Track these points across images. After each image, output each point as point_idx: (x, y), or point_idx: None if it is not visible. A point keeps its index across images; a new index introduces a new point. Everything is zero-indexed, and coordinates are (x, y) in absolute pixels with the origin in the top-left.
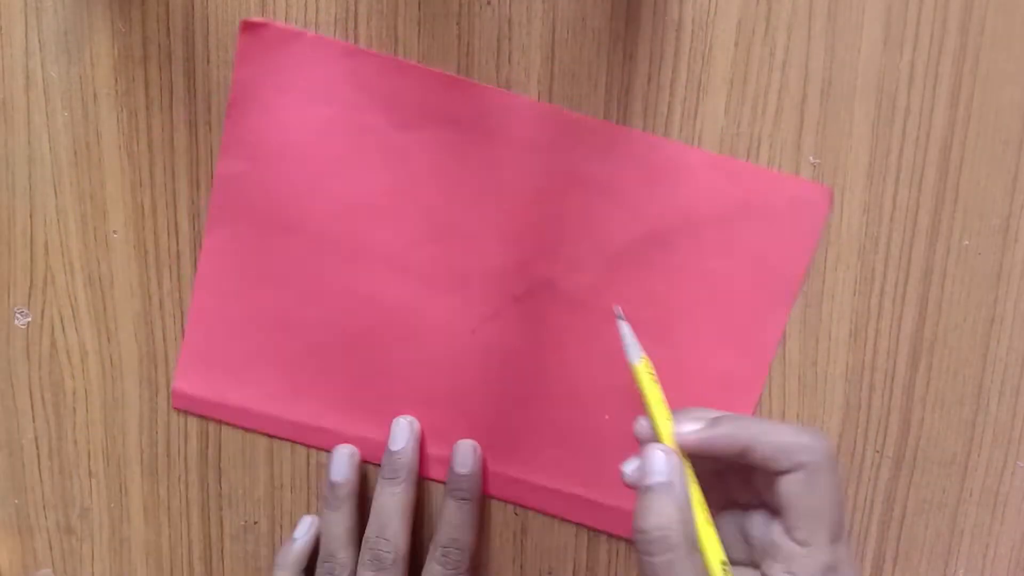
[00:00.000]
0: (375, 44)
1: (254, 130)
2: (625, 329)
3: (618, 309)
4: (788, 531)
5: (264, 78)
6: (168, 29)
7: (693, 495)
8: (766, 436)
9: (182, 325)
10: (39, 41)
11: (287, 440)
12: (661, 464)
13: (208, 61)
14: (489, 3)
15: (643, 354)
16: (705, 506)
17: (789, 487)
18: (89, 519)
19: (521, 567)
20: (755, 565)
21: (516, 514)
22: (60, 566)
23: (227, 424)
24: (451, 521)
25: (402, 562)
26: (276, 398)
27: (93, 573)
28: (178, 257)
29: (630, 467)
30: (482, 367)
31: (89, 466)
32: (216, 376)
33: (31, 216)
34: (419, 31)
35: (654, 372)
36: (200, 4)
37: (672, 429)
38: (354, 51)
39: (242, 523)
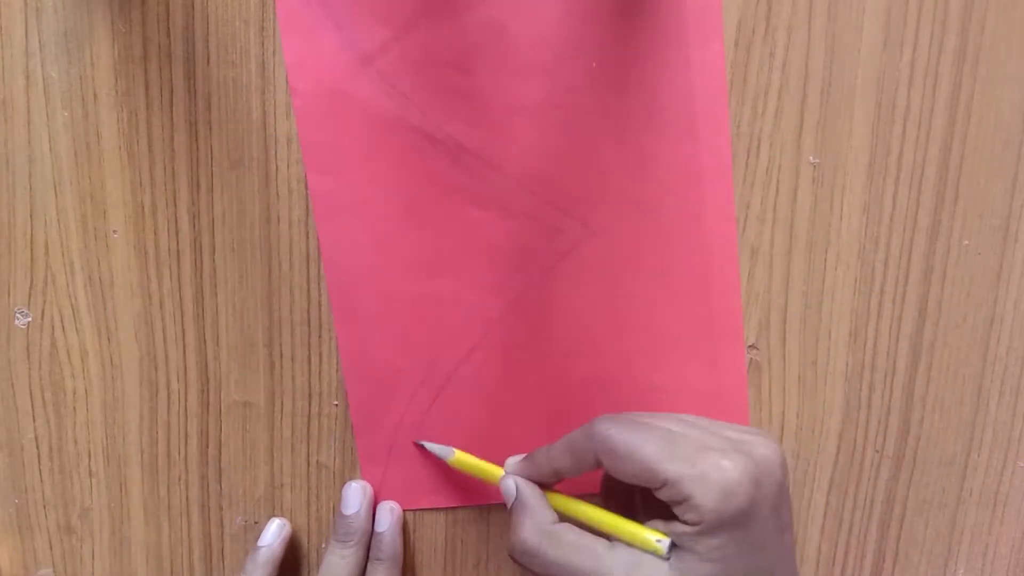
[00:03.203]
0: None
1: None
2: (429, 446)
3: (420, 442)
4: (655, 491)
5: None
6: (168, 29)
7: (557, 501)
8: (560, 457)
9: (182, 325)
10: (39, 41)
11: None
12: (507, 487)
13: (208, 61)
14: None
15: (452, 451)
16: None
17: (609, 476)
18: (89, 519)
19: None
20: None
21: None
22: (60, 566)
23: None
24: None
25: None
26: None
27: (93, 573)
28: (178, 257)
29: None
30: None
31: (89, 466)
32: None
33: (31, 216)
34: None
35: (465, 455)
36: (200, 4)
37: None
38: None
39: (242, 523)
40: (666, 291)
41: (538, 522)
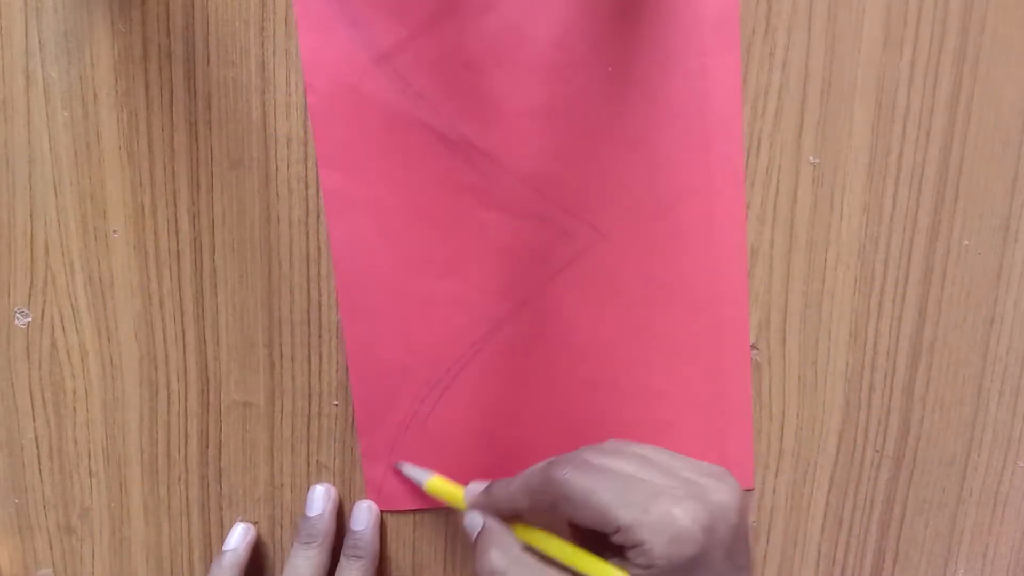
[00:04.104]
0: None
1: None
2: (407, 470)
3: (399, 464)
4: (609, 536)
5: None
6: (168, 29)
7: (521, 532)
8: (518, 498)
9: (182, 325)
10: (39, 41)
11: None
12: (472, 520)
13: (208, 61)
14: None
15: (428, 476)
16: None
17: (566, 517)
18: (89, 519)
19: None
20: None
21: None
22: (60, 566)
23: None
24: None
25: None
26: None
27: (93, 573)
28: (178, 257)
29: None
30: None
31: (89, 466)
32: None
33: (31, 216)
34: None
35: (442, 481)
36: (200, 4)
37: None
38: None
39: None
40: (674, 297)
41: (506, 548)
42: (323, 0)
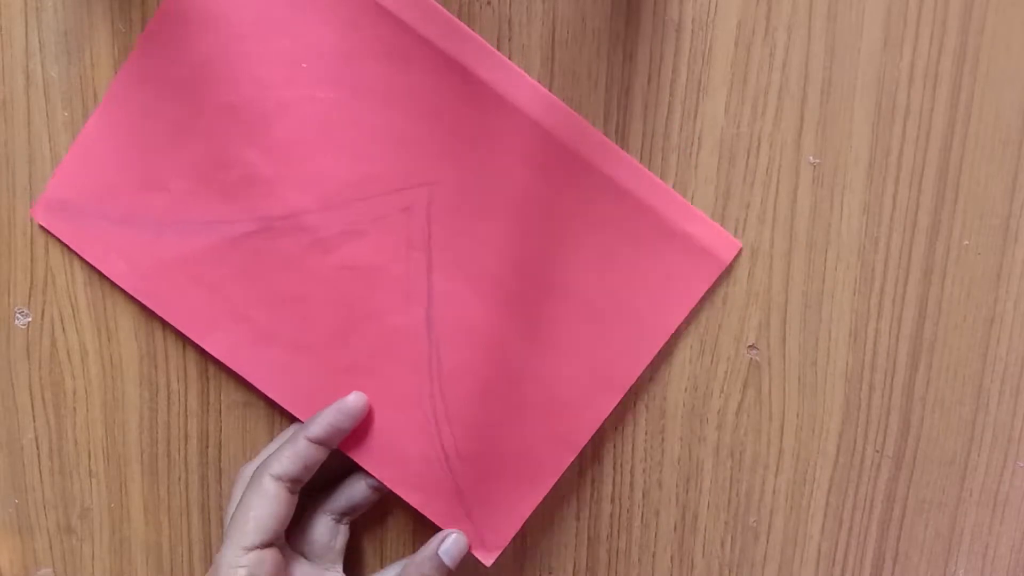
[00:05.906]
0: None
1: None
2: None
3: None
4: None
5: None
6: None
7: None
8: None
9: None
10: (39, 41)
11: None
12: None
13: None
14: (489, 3)
15: None
16: None
17: None
18: (89, 519)
19: (521, 567)
20: None
21: None
22: (60, 566)
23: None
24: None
25: None
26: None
27: (93, 573)
28: None
29: None
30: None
31: (89, 466)
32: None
33: (31, 216)
34: None
35: None
36: None
37: None
38: None
39: None
40: (550, 179)
41: None
42: (76, 220)
